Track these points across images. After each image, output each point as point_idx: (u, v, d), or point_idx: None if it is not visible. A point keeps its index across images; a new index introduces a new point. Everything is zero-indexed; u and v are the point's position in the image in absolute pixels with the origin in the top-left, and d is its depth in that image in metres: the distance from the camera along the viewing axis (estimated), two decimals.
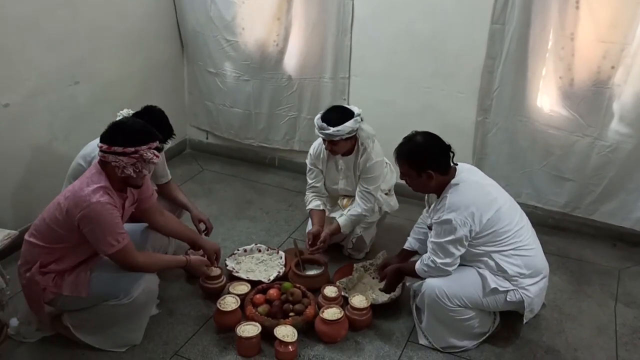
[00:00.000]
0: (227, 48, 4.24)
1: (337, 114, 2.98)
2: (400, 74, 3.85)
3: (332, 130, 2.93)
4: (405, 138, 2.63)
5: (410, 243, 3.01)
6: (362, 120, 3.04)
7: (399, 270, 2.83)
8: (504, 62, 3.50)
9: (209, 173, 4.53)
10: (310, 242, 3.17)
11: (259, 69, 4.21)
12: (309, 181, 3.32)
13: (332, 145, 3.02)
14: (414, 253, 2.99)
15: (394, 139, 2.68)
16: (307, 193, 3.34)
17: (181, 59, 4.54)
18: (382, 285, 2.95)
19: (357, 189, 3.17)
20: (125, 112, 2.90)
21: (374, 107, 3.91)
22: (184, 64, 4.56)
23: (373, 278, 3.17)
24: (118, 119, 2.83)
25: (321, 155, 3.23)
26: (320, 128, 2.95)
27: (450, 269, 2.58)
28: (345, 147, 3.08)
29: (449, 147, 2.59)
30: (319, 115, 2.99)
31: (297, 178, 4.35)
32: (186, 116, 4.74)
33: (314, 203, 3.29)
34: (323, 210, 3.29)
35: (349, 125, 2.95)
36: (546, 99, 3.50)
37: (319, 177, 3.30)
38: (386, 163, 3.32)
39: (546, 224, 3.75)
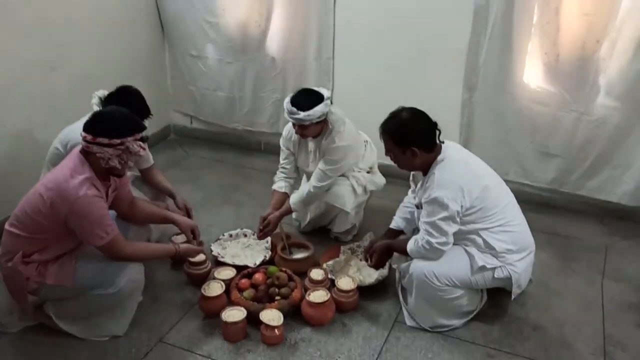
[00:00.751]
0: (208, 30, 4.19)
1: (307, 98, 2.92)
2: (385, 54, 3.83)
3: (302, 114, 2.89)
4: (390, 114, 2.60)
5: (396, 222, 2.99)
6: (331, 103, 3.00)
7: (389, 247, 2.82)
8: (489, 39, 3.48)
9: (194, 158, 4.50)
10: (261, 226, 3.15)
11: (242, 51, 4.17)
12: (281, 161, 3.31)
13: (302, 129, 2.99)
14: (400, 232, 2.98)
15: (379, 119, 2.65)
16: (276, 173, 3.33)
17: (162, 43, 4.49)
18: (369, 267, 2.93)
19: (317, 167, 3.12)
20: (101, 92, 2.86)
21: (359, 87, 3.89)
22: (165, 48, 4.52)
23: (360, 260, 3.15)
24: (93, 100, 2.82)
25: (292, 138, 3.21)
26: (290, 112, 2.90)
27: (445, 248, 2.56)
28: (315, 131, 3.04)
29: (435, 124, 2.56)
30: (288, 99, 2.94)
31: None
32: (169, 101, 4.70)
33: (277, 184, 3.28)
34: (285, 193, 3.26)
35: (319, 109, 2.90)
36: (532, 76, 3.49)
37: (289, 158, 3.28)
38: (365, 141, 3.30)
39: (534, 202, 3.75)
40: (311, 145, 3.18)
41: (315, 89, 3.01)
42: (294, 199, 3.17)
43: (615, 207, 3.63)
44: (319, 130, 3.05)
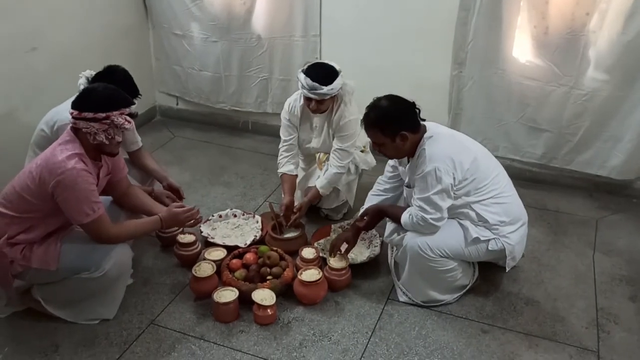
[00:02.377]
0: (192, 8, 4.12)
1: (325, 72, 2.90)
2: (373, 30, 3.79)
3: (325, 89, 2.87)
4: (368, 107, 2.57)
5: (370, 200, 2.94)
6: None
7: (381, 211, 2.79)
8: (477, 12, 3.44)
9: (180, 140, 4.46)
10: (284, 214, 3.11)
11: (227, 30, 4.11)
12: (283, 138, 3.23)
13: (319, 104, 2.96)
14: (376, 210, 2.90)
15: (368, 99, 2.62)
16: (280, 152, 3.25)
17: (145, 23, 4.41)
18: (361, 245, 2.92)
19: (332, 147, 3.11)
20: (88, 73, 2.81)
21: (347, 65, 3.75)
22: (149, 27, 4.43)
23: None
24: (80, 80, 2.78)
25: (295, 112, 3.15)
26: (312, 88, 2.87)
27: (440, 224, 2.54)
28: (328, 105, 3.03)
29: (413, 104, 2.55)
30: (304, 75, 2.89)
31: (271, 141, 4.25)
32: (154, 82, 4.64)
33: (286, 167, 3.21)
34: (295, 176, 3.23)
35: (338, 82, 2.91)
36: (521, 50, 3.47)
37: (294, 133, 3.22)
38: (361, 120, 3.26)
39: (523, 177, 3.76)
40: (317, 120, 3.14)
41: (324, 62, 2.99)
42: (321, 183, 3.12)
43: (605, 181, 3.64)
44: (331, 103, 3.03)
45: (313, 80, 2.86)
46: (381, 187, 2.95)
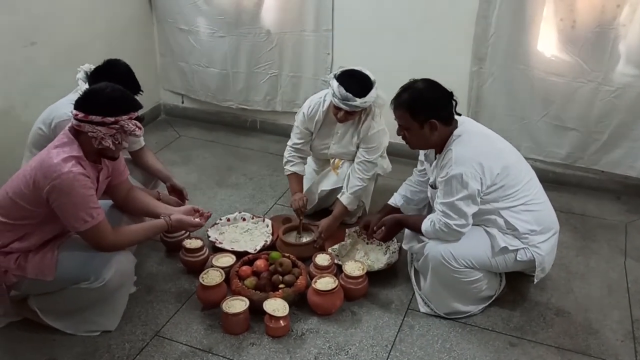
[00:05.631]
0: (199, 2, 4.07)
1: (360, 83, 2.82)
2: (388, 24, 3.71)
3: (358, 101, 2.79)
4: (403, 87, 2.46)
5: (395, 199, 2.89)
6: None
7: (399, 222, 2.70)
8: (499, 4, 3.37)
9: (186, 139, 4.39)
10: (300, 212, 3.05)
11: (235, 24, 4.05)
12: (294, 140, 3.15)
13: (349, 115, 2.88)
14: (397, 210, 2.86)
15: (384, 96, 2.57)
16: (289, 152, 3.17)
17: (150, 17, 4.35)
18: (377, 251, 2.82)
19: (357, 159, 3.05)
20: (87, 67, 2.76)
21: (361, 61, 3.68)
22: (154, 22, 4.38)
23: (367, 243, 3.05)
24: (78, 74, 2.73)
25: (316, 117, 3.06)
26: (344, 99, 2.78)
27: (464, 230, 2.43)
28: (357, 116, 2.96)
29: (451, 94, 2.44)
30: (337, 84, 2.79)
31: (280, 141, 4.16)
32: (159, 79, 4.59)
33: (297, 167, 3.15)
34: (302, 177, 3.19)
35: (373, 94, 2.84)
36: (546, 44, 3.38)
37: (306, 139, 3.15)
38: (391, 100, 3.18)
39: (547, 178, 3.63)
40: (340, 127, 3.06)
41: (358, 69, 2.90)
42: (348, 200, 3.04)
43: (634, 183, 3.55)
44: (360, 114, 2.97)
45: (347, 90, 2.77)
46: (414, 178, 2.86)
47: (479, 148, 2.40)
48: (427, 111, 2.38)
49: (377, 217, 2.82)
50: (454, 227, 2.40)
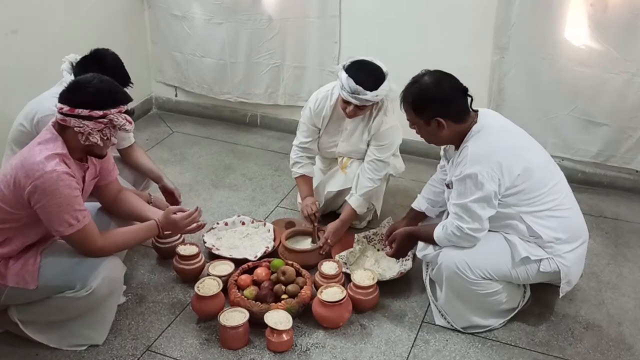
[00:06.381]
0: None
1: (371, 75, 2.83)
2: (401, 10, 3.74)
3: (369, 95, 2.80)
4: (412, 79, 2.48)
5: (419, 202, 2.89)
6: None
7: (411, 234, 2.70)
8: None
9: (179, 136, 4.41)
10: (312, 217, 3.07)
11: (233, 10, 4.08)
12: (301, 138, 3.17)
13: (358, 110, 2.89)
14: (423, 215, 2.88)
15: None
16: (295, 152, 3.18)
17: (141, 3, 4.40)
18: (389, 258, 2.83)
19: (367, 157, 3.07)
20: (72, 57, 2.78)
21: (371, 51, 3.69)
22: (145, 8, 4.42)
23: (378, 250, 3.06)
24: (63, 65, 2.75)
25: (323, 113, 3.08)
26: (354, 92, 2.79)
27: (479, 235, 2.43)
28: (367, 111, 2.97)
29: (465, 89, 2.44)
30: (346, 75, 2.81)
31: (283, 138, 4.26)
32: (150, 70, 4.62)
33: (305, 168, 3.17)
34: (311, 178, 3.20)
35: (385, 87, 2.84)
36: (574, 31, 3.39)
37: (314, 137, 3.16)
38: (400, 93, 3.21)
39: (575, 179, 3.67)
40: (348, 123, 3.08)
41: (369, 59, 2.90)
42: (357, 202, 3.06)
43: None
44: (371, 108, 2.98)
45: (357, 82, 2.77)
46: (437, 176, 2.86)
47: (497, 145, 2.40)
48: (432, 109, 2.40)
49: (402, 224, 2.84)
50: (467, 231, 2.40)
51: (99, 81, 2.30)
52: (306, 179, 3.16)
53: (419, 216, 2.87)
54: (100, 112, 2.25)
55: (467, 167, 2.37)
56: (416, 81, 2.46)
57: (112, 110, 2.27)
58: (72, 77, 2.66)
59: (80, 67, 2.70)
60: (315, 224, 3.08)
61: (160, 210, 2.66)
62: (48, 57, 3.49)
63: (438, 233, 2.51)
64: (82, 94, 2.26)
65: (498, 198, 2.39)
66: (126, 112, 2.32)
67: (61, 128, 2.30)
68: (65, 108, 2.25)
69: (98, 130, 2.27)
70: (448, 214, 2.54)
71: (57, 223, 2.26)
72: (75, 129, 2.26)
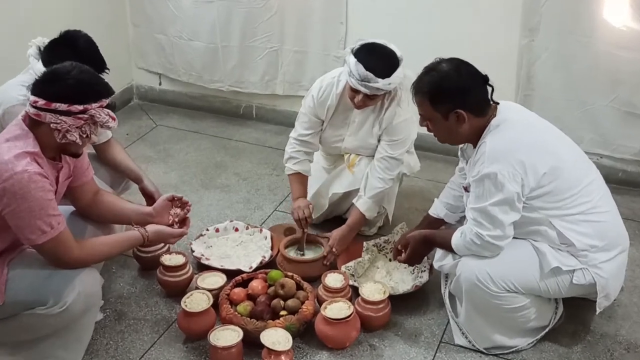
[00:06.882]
0: None
1: (383, 60, 2.85)
2: None
3: (381, 83, 2.81)
4: (425, 68, 2.50)
5: (436, 208, 2.92)
6: None
7: (426, 238, 2.73)
8: None
9: (164, 130, 4.45)
10: (303, 222, 3.07)
11: None
12: (300, 130, 3.18)
13: (368, 99, 2.90)
14: (441, 222, 2.91)
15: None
16: (292, 145, 3.19)
17: None
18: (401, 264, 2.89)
19: (378, 154, 3.09)
20: (40, 40, 2.80)
21: (381, 31, 3.74)
22: None
23: (390, 260, 3.08)
24: (30, 50, 2.76)
25: (328, 102, 3.09)
26: (364, 79, 2.81)
27: (501, 243, 2.45)
28: (378, 101, 2.99)
29: (485, 78, 2.47)
30: (355, 60, 2.82)
31: (281, 132, 4.27)
32: (131, 55, 4.67)
33: (302, 166, 3.17)
34: (307, 177, 3.22)
35: (399, 74, 2.86)
36: (614, 11, 3.40)
37: (316, 129, 3.17)
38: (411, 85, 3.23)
39: (615, 179, 3.69)
40: (357, 115, 3.09)
41: (380, 42, 2.92)
42: (366, 205, 3.07)
43: None
44: (382, 98, 3.00)
45: (367, 68, 2.79)
46: (456, 178, 2.89)
47: (519, 140, 2.42)
48: (451, 100, 2.41)
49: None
50: (488, 238, 2.42)
51: (78, 72, 2.31)
52: (301, 178, 3.17)
53: (437, 223, 2.89)
54: (81, 107, 2.25)
55: (485, 166, 2.39)
56: (432, 69, 2.48)
57: (94, 105, 2.28)
58: (39, 64, 2.69)
59: (49, 52, 2.72)
60: (306, 230, 3.10)
61: (140, 207, 2.69)
62: (15, 41, 3.53)
63: (456, 240, 2.53)
64: (60, 86, 2.26)
65: (522, 200, 2.41)
66: (107, 106, 2.34)
67: (33, 123, 2.31)
68: (40, 101, 2.25)
69: (77, 127, 2.28)
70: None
71: (28, 230, 2.27)
72: (51, 125, 2.26)
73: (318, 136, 3.19)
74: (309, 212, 3.07)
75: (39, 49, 2.77)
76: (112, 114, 2.34)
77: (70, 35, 2.76)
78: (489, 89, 2.46)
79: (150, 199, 3.08)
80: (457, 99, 2.42)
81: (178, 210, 2.71)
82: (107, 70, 2.75)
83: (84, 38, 2.77)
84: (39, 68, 2.65)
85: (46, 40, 2.78)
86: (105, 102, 2.33)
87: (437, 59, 2.51)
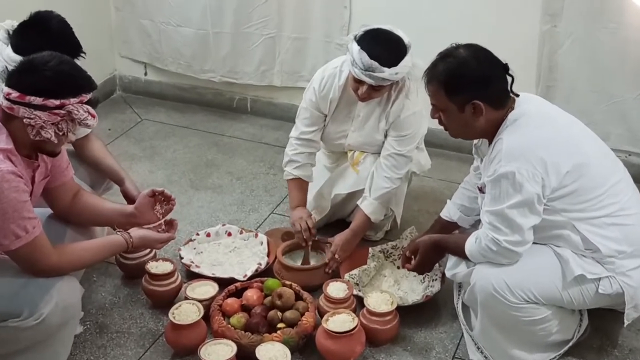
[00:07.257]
0: None
1: (389, 47, 2.85)
2: None
3: (387, 72, 2.82)
4: (440, 54, 2.50)
5: (449, 210, 2.93)
6: None
7: (437, 244, 2.74)
8: None
9: (150, 125, 4.47)
10: (306, 235, 3.08)
11: None
12: (302, 128, 3.18)
13: (373, 90, 2.91)
14: (454, 225, 2.92)
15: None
16: (294, 146, 3.19)
17: None
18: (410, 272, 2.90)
19: (384, 151, 3.10)
20: (8, 24, 2.81)
21: (389, 16, 3.77)
22: None
23: (398, 268, 3.09)
24: None
25: (330, 95, 3.10)
26: (368, 68, 2.82)
27: (520, 249, 2.46)
28: (385, 92, 2.99)
29: (505, 66, 2.47)
30: (358, 48, 2.83)
31: (279, 127, 4.31)
32: (113, 43, 4.69)
33: (304, 170, 3.17)
34: (308, 184, 3.23)
35: (406, 63, 2.86)
36: None
37: (319, 125, 3.18)
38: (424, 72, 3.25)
39: None
40: (361, 108, 3.11)
41: (386, 28, 2.93)
42: (372, 207, 3.08)
43: None
44: (389, 90, 3.01)
45: (371, 57, 2.79)
46: (471, 178, 2.90)
47: (539, 135, 2.42)
48: (469, 90, 2.42)
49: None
50: (506, 244, 2.43)
51: (57, 62, 2.31)
52: (301, 184, 3.17)
53: (450, 227, 2.91)
54: (57, 102, 2.26)
55: (501, 164, 2.39)
56: (448, 54, 2.48)
57: (72, 100, 2.28)
58: (9, 49, 2.70)
59: (18, 36, 2.74)
60: (310, 243, 3.10)
61: (123, 207, 2.71)
62: None
63: (470, 246, 2.54)
64: (36, 77, 2.27)
65: (543, 202, 2.41)
66: (88, 102, 2.34)
67: (7, 117, 2.32)
68: (14, 94, 2.26)
69: (52, 124, 2.29)
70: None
71: (0, 235, 2.27)
72: (24, 120, 2.27)
73: (321, 133, 3.20)
74: (312, 223, 3.08)
75: (8, 33, 2.78)
76: (92, 110, 2.34)
77: (41, 17, 2.76)
78: (509, 79, 2.47)
79: (132, 203, 3.04)
80: (475, 88, 2.42)
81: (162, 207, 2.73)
82: (83, 55, 2.75)
83: (57, 19, 2.77)
84: (8, 54, 2.67)
85: (15, 23, 2.78)
86: (86, 97, 2.33)
87: (454, 44, 2.51)
